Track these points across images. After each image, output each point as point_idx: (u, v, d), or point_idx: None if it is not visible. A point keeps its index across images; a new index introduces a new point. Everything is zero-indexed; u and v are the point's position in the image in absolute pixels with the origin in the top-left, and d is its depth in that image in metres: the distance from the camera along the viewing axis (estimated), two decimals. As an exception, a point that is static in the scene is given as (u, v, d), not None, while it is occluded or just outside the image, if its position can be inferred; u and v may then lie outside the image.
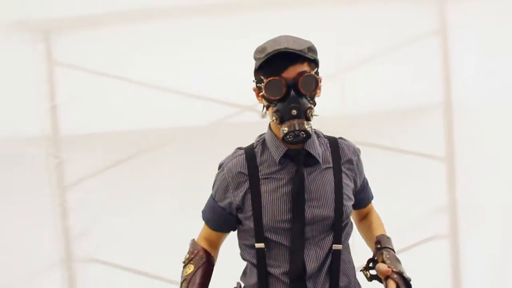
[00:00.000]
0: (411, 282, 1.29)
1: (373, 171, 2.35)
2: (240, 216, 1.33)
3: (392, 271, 1.28)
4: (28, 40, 2.32)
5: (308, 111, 1.22)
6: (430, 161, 2.44)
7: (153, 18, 2.41)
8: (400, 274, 1.28)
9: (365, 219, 1.51)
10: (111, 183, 2.44)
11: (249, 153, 1.32)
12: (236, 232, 1.40)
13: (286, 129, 1.20)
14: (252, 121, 2.08)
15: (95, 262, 2.48)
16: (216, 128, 2.39)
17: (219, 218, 1.36)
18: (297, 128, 1.19)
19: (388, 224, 2.25)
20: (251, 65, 1.28)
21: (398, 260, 1.34)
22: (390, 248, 1.37)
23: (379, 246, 1.37)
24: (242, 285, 1.38)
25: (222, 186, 1.33)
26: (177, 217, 2.43)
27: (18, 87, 2.33)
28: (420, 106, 2.47)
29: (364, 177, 1.44)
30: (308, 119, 1.22)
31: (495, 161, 2.42)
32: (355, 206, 1.44)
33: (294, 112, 1.19)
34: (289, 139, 1.21)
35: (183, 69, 2.44)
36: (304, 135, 1.21)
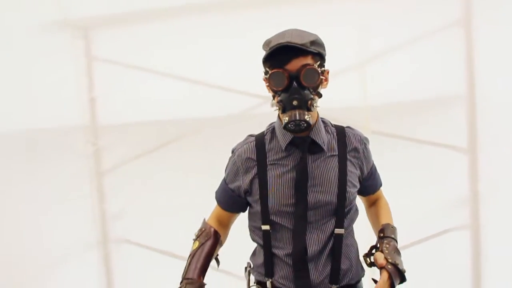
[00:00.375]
0: (406, 275, 1.35)
1: (394, 161, 2.42)
2: (249, 199, 1.42)
3: (387, 261, 1.34)
4: (69, 38, 2.51)
5: (309, 102, 1.28)
6: (452, 152, 2.45)
7: (181, 15, 2.54)
8: (395, 266, 1.34)
9: (373, 205, 1.57)
10: (144, 169, 2.60)
11: (259, 140, 1.41)
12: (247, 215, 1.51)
13: (287, 118, 1.27)
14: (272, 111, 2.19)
15: (129, 243, 2.66)
16: (240, 118, 2.50)
17: (229, 199, 1.47)
18: (297, 118, 1.26)
19: (409, 215, 2.33)
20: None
21: (397, 251, 1.39)
22: (393, 238, 1.43)
23: (382, 235, 1.44)
24: (252, 264, 1.48)
25: (232, 170, 1.43)
26: (206, 202, 2.56)
27: (60, 80, 2.52)
28: (443, 98, 2.48)
29: (373, 164, 1.49)
30: (309, 110, 1.28)
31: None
32: (364, 193, 1.52)
33: (295, 102, 1.26)
34: (290, 127, 1.28)
35: (210, 63, 2.55)
36: (305, 125, 1.27)
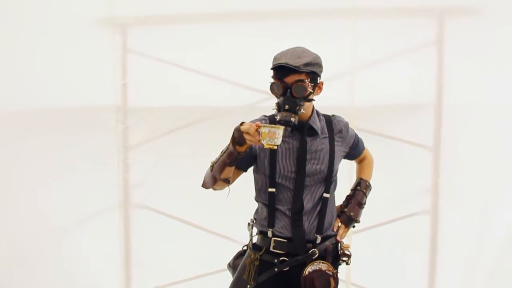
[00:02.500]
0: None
1: (373, 154, 2.93)
2: (258, 161, 1.85)
3: (343, 211, 1.92)
4: (110, 33, 2.99)
5: (297, 108, 1.71)
6: (420, 149, 2.97)
7: (202, 20, 3.00)
8: (349, 215, 1.89)
9: (360, 163, 2.08)
10: (165, 147, 3.07)
11: (271, 119, 1.86)
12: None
13: (279, 117, 1.72)
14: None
15: (147, 208, 3.13)
16: (247, 109, 2.98)
17: (245, 158, 1.84)
18: (286, 119, 1.70)
19: (382, 199, 2.84)
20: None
21: (359, 204, 1.94)
22: (363, 192, 1.97)
23: (357, 187, 1.98)
24: (255, 220, 1.93)
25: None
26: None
27: (100, 68, 2.99)
28: (416, 104, 3.01)
29: (355, 138, 1.97)
30: (296, 113, 1.71)
31: (475, 152, 2.93)
32: (353, 157, 2.02)
33: (287, 107, 1.71)
34: (281, 123, 1.71)
35: (225, 61, 3.01)
36: (291, 124, 1.71)
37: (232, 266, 2.03)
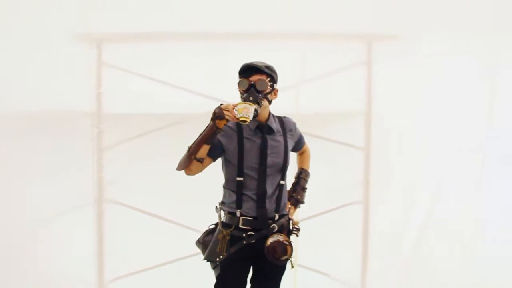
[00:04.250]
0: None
1: (314, 154, 3.48)
2: (226, 154, 2.24)
3: (292, 196, 2.42)
4: (86, 47, 3.35)
5: (259, 99, 2.12)
6: (353, 149, 3.57)
7: (167, 39, 3.44)
8: (297, 199, 2.42)
9: (301, 155, 2.58)
10: (135, 149, 3.46)
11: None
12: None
13: None
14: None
15: (118, 204, 3.49)
16: (207, 116, 3.40)
17: (213, 146, 2.20)
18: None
19: (321, 192, 3.38)
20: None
21: (303, 189, 2.46)
22: (304, 179, 2.49)
23: (300, 175, 2.50)
24: (223, 204, 2.32)
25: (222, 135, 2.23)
26: (185, 181, 3.44)
27: (76, 78, 3.34)
28: (350, 111, 3.60)
29: (300, 135, 2.44)
30: (258, 104, 2.11)
31: (398, 151, 3.57)
32: (296, 150, 2.49)
33: (251, 98, 2.12)
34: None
35: (187, 73, 3.45)
36: (254, 114, 2.09)
37: (202, 242, 2.37)
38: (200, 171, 2.27)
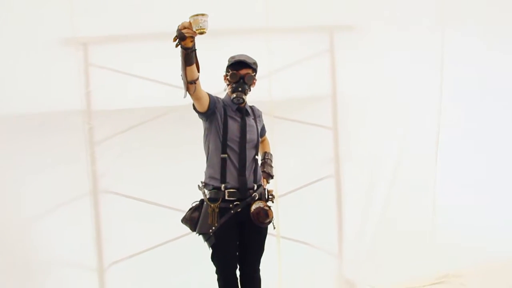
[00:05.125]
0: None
1: (288, 135, 3.86)
2: (215, 116, 2.62)
3: (263, 171, 2.81)
4: (74, 50, 3.64)
5: (246, 90, 2.62)
6: (323, 129, 3.98)
7: (149, 39, 3.72)
8: (268, 173, 2.82)
9: (263, 142, 2.96)
10: (124, 142, 3.75)
11: (224, 99, 2.71)
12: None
13: (234, 95, 2.60)
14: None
15: (112, 193, 3.78)
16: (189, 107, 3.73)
17: (211, 97, 2.60)
18: (239, 97, 2.59)
19: (297, 169, 3.75)
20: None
21: (270, 166, 2.87)
22: (270, 159, 2.89)
23: (266, 157, 2.90)
24: (205, 182, 2.66)
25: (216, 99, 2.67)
26: (171, 167, 3.78)
27: (67, 79, 3.61)
28: (318, 95, 4.01)
29: (263, 123, 2.88)
30: (245, 94, 2.62)
31: (362, 128, 4.00)
32: (260, 135, 2.84)
33: (240, 89, 2.61)
34: (234, 101, 2.61)
35: (170, 69, 3.74)
36: (241, 101, 2.62)
37: (189, 219, 2.66)
38: (200, 92, 2.50)
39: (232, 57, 2.69)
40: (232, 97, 2.63)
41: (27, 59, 3.51)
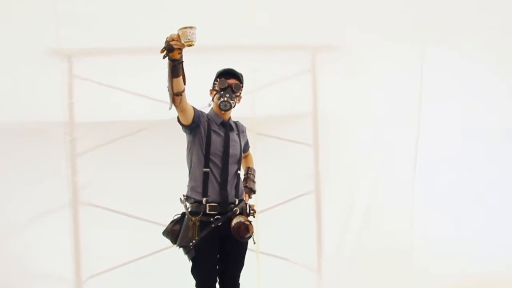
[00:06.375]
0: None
1: (269, 151, 3.91)
2: (198, 129, 2.58)
3: (246, 186, 2.81)
4: (58, 61, 3.65)
5: (233, 98, 2.59)
6: (304, 146, 4.04)
7: (134, 53, 3.78)
8: (250, 188, 2.83)
9: (246, 157, 2.99)
10: (105, 154, 3.77)
11: (209, 114, 2.72)
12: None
13: (222, 99, 2.60)
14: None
15: (92, 206, 3.77)
16: (171, 121, 3.75)
17: (196, 111, 2.57)
18: (226, 102, 2.60)
19: (278, 184, 3.79)
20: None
21: (253, 181, 2.88)
22: (253, 174, 2.91)
23: (249, 172, 2.91)
24: (187, 196, 2.66)
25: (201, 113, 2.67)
26: (152, 181, 3.80)
27: (50, 91, 3.63)
28: (300, 113, 4.09)
29: (247, 139, 2.90)
30: (232, 101, 2.59)
31: (342, 146, 4.07)
32: (244, 151, 2.86)
33: (227, 95, 2.59)
34: (221, 106, 2.63)
35: (152, 83, 3.79)
36: (229, 106, 2.60)
37: (171, 231, 2.66)
38: (185, 104, 2.51)
39: (220, 70, 2.74)
40: (219, 102, 2.65)
41: (11, 69, 3.52)
